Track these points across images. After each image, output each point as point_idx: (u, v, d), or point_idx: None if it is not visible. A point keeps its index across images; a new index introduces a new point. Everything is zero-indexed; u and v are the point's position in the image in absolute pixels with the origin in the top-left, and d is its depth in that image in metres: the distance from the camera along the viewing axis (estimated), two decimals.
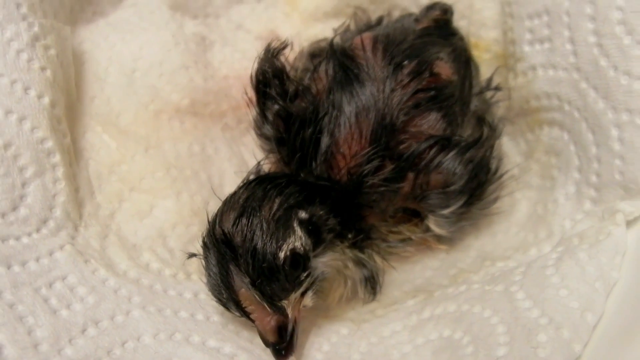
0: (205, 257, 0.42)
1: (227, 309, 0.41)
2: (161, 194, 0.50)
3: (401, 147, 0.46)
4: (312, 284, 0.42)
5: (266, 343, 0.41)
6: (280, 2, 0.59)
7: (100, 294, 0.43)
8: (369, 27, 0.54)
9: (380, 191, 0.46)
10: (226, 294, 0.41)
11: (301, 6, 0.59)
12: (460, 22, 0.56)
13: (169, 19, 0.56)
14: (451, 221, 0.48)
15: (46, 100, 0.47)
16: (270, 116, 0.48)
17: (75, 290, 0.43)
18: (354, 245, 0.47)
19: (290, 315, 0.41)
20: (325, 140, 0.46)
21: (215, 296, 0.42)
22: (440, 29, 0.52)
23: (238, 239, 0.40)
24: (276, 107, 0.48)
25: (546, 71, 0.49)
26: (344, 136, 0.46)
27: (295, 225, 0.41)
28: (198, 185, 0.51)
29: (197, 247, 0.45)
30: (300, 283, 0.41)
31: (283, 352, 0.40)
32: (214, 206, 0.45)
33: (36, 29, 0.48)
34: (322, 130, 0.46)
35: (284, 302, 0.41)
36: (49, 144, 0.47)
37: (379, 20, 0.55)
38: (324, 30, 0.57)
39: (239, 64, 0.57)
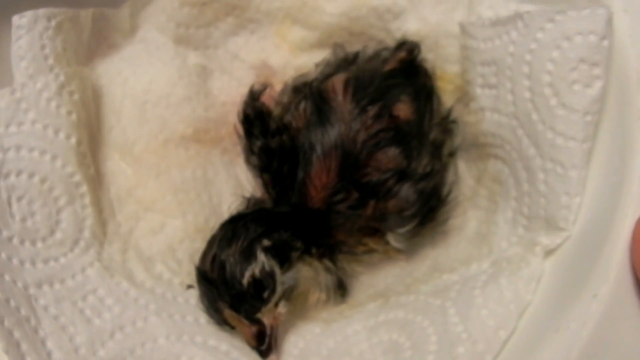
0: (199, 290, 0.54)
1: (221, 325, 0.53)
2: (170, 214, 0.60)
3: (364, 179, 0.56)
4: (282, 295, 0.53)
5: (251, 347, 0.53)
6: (271, 35, 0.67)
7: (124, 304, 0.54)
8: (345, 62, 0.63)
9: (347, 215, 0.56)
10: (216, 316, 0.53)
11: (289, 38, 0.66)
12: (428, 55, 0.63)
13: (174, 55, 0.64)
14: (407, 237, 0.58)
15: (73, 140, 0.56)
16: (255, 149, 0.59)
17: (104, 301, 0.54)
18: (324, 257, 0.57)
19: (267, 324, 0.53)
20: (300, 174, 0.56)
21: (210, 317, 0.54)
22: (405, 70, 0.60)
23: (214, 275, 0.52)
24: (259, 143, 0.58)
25: (492, 114, 0.57)
26: (315, 171, 0.56)
27: (258, 253, 0.52)
28: (200, 205, 0.61)
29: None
30: (267, 299, 0.52)
31: (264, 353, 0.53)
32: (214, 224, 0.57)
33: (62, 78, 0.56)
34: (297, 165, 0.56)
35: (259, 315, 0.52)
36: (77, 177, 0.56)
37: (355, 57, 0.63)
38: (309, 60, 0.65)
39: (236, 90, 0.65)
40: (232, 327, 0.53)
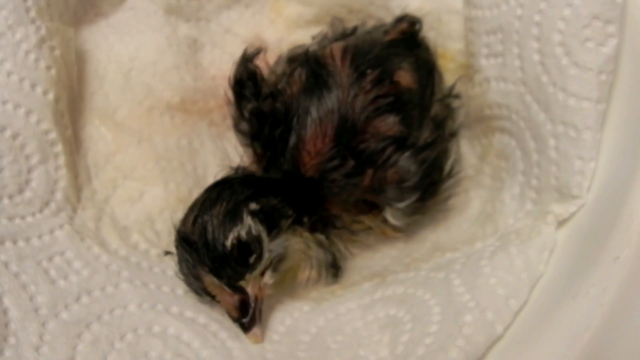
0: (177, 255, 0.48)
1: (200, 295, 0.48)
2: (151, 183, 0.56)
3: (361, 145, 0.52)
4: (269, 264, 0.48)
5: (232, 319, 0.47)
6: (266, 9, 0.64)
7: (94, 268, 0.49)
8: (343, 35, 0.60)
9: (342, 184, 0.52)
10: (195, 283, 0.47)
11: (285, 14, 0.64)
12: (429, 33, 0.61)
13: (164, 23, 0.61)
14: (406, 214, 0.53)
15: (51, 96, 0.53)
16: (246, 114, 0.55)
17: (71, 264, 0.49)
18: (316, 230, 0.52)
19: (250, 293, 0.47)
20: (292, 139, 0.52)
21: (188, 286, 0.48)
22: (406, 41, 0.57)
23: (195, 236, 0.46)
24: (250, 106, 0.54)
25: (498, 84, 0.54)
26: (309, 135, 0.52)
27: (245, 216, 0.47)
28: (184, 175, 0.57)
29: None
30: (252, 265, 0.47)
31: (246, 326, 0.47)
32: (197, 194, 0.52)
33: (43, 31, 0.53)
34: (290, 130, 0.52)
35: (242, 283, 0.47)
36: (53, 135, 0.52)
37: (353, 30, 0.60)
38: (305, 37, 0.62)
39: (227, 65, 0.61)
40: (213, 297, 0.48)
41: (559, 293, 0.45)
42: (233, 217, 0.47)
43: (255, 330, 0.47)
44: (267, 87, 0.56)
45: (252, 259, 0.47)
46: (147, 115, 0.58)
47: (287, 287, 0.52)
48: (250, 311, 0.47)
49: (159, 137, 0.58)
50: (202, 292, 0.48)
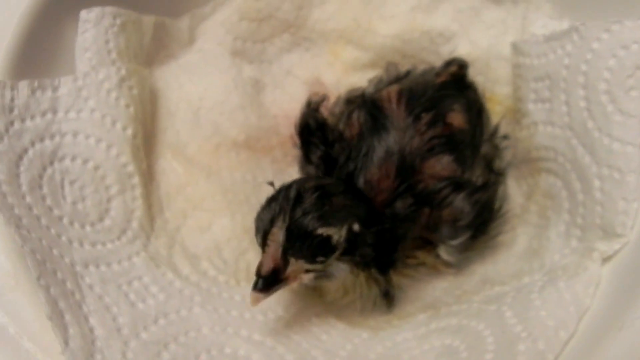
0: (277, 191, 0.51)
1: (257, 233, 0.50)
2: (219, 214, 0.60)
3: (419, 185, 0.55)
4: (319, 272, 0.50)
5: (256, 272, 0.49)
6: (325, 53, 0.69)
7: (168, 293, 0.53)
8: (397, 79, 0.64)
9: (401, 221, 0.55)
10: (265, 223, 0.49)
11: (342, 57, 0.68)
12: (477, 78, 0.65)
13: (230, 65, 0.66)
14: (458, 250, 0.57)
15: (129, 131, 0.57)
16: (314, 159, 0.59)
17: (149, 289, 0.53)
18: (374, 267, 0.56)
19: (287, 271, 0.49)
20: (360, 180, 0.56)
21: (256, 218, 0.50)
22: (456, 82, 0.62)
23: (305, 198, 0.49)
24: (319, 152, 0.58)
25: (545, 127, 0.58)
26: (375, 176, 0.55)
27: (344, 227, 0.50)
28: (249, 207, 0.61)
29: (247, 259, 0.58)
30: (313, 261, 0.49)
31: (259, 287, 0.48)
32: None
33: (123, 72, 0.58)
34: (357, 171, 0.56)
35: (292, 260, 0.49)
36: (130, 168, 0.57)
37: (407, 73, 0.64)
38: (361, 79, 0.66)
39: (287, 105, 0.66)
40: (261, 242, 0.49)
41: (605, 325, 0.47)
42: (339, 220, 0.50)
43: (260, 296, 0.48)
44: (331, 131, 0.59)
45: (319, 259, 0.50)
46: (215, 151, 0.62)
47: (342, 314, 0.56)
48: (274, 281, 0.49)
49: (226, 171, 0.62)
50: (261, 233, 0.50)
